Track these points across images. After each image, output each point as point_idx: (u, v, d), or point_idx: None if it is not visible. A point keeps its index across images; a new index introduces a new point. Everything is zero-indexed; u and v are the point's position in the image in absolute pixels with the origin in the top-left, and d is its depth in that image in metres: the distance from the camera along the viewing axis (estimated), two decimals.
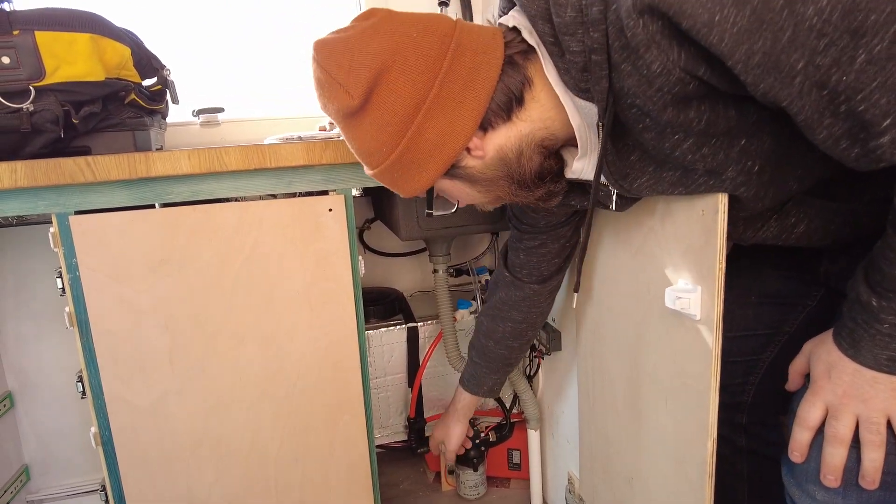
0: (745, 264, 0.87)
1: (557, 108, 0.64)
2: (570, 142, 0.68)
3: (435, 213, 0.76)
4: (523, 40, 0.64)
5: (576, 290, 0.79)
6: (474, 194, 0.73)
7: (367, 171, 0.72)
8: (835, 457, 0.59)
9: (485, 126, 0.65)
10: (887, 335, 0.54)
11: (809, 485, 0.63)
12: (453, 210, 0.78)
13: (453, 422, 1.16)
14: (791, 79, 0.48)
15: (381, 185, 0.73)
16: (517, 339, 1.05)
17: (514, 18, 0.65)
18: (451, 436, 1.17)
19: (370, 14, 0.65)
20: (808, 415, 0.62)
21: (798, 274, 0.83)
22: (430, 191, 0.73)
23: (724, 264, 0.64)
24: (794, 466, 0.65)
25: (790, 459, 0.65)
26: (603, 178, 0.67)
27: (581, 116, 0.64)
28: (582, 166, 0.69)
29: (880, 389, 0.56)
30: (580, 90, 0.61)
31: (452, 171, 0.68)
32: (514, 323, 1.02)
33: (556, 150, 0.70)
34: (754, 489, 0.91)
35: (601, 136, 0.61)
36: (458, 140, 0.65)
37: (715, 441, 0.69)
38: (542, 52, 0.62)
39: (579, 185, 0.75)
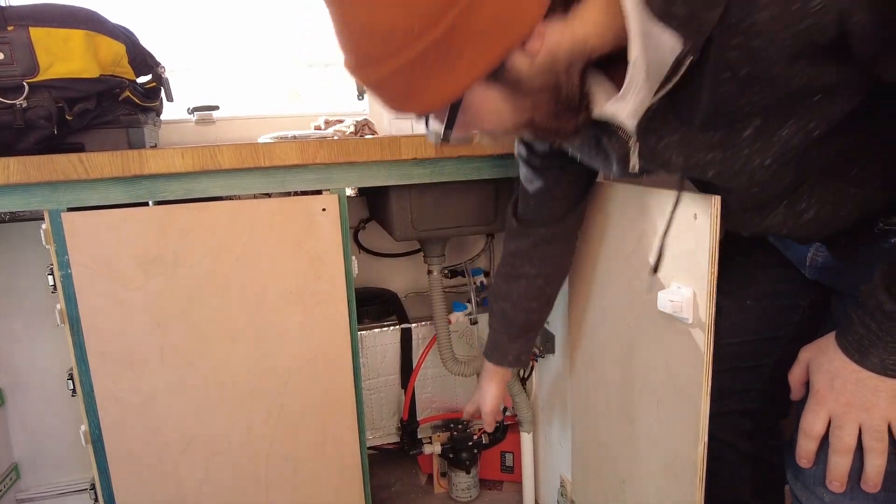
0: (733, 269, 0.86)
1: (613, 21, 0.51)
2: (607, 67, 0.56)
3: (453, 139, 0.59)
4: None
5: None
6: (507, 113, 0.57)
7: (368, 74, 0.52)
8: (840, 465, 0.60)
9: (545, 12, 0.50)
10: None
11: (818, 487, 0.64)
12: (471, 142, 0.62)
13: (486, 383, 1.03)
14: None
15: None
16: (535, 299, 0.94)
17: None
18: (486, 396, 1.03)
19: None
20: (813, 426, 0.62)
21: (785, 272, 0.83)
22: (457, 104, 0.54)
23: (716, 268, 0.65)
24: (801, 471, 0.65)
25: (796, 465, 0.65)
26: (628, 123, 0.58)
27: (643, 47, 0.50)
28: (616, 110, 0.57)
29: (882, 397, 0.57)
30: (667, 14, 0.47)
31: (497, 71, 0.52)
32: (527, 279, 0.92)
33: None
34: (757, 494, 0.91)
35: (670, 76, 0.50)
36: (526, 19, 0.48)
37: (706, 444, 0.69)
38: None
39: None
